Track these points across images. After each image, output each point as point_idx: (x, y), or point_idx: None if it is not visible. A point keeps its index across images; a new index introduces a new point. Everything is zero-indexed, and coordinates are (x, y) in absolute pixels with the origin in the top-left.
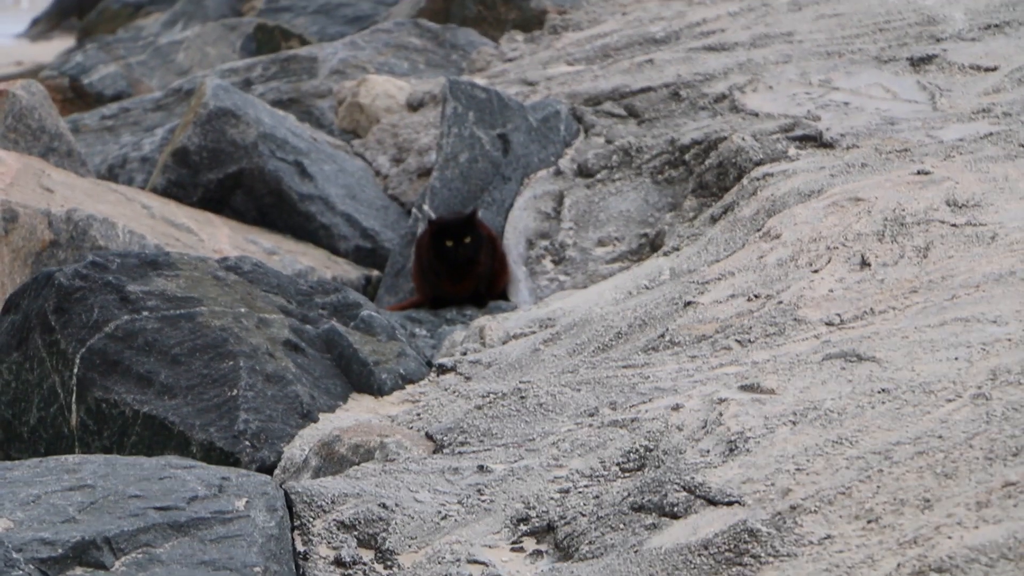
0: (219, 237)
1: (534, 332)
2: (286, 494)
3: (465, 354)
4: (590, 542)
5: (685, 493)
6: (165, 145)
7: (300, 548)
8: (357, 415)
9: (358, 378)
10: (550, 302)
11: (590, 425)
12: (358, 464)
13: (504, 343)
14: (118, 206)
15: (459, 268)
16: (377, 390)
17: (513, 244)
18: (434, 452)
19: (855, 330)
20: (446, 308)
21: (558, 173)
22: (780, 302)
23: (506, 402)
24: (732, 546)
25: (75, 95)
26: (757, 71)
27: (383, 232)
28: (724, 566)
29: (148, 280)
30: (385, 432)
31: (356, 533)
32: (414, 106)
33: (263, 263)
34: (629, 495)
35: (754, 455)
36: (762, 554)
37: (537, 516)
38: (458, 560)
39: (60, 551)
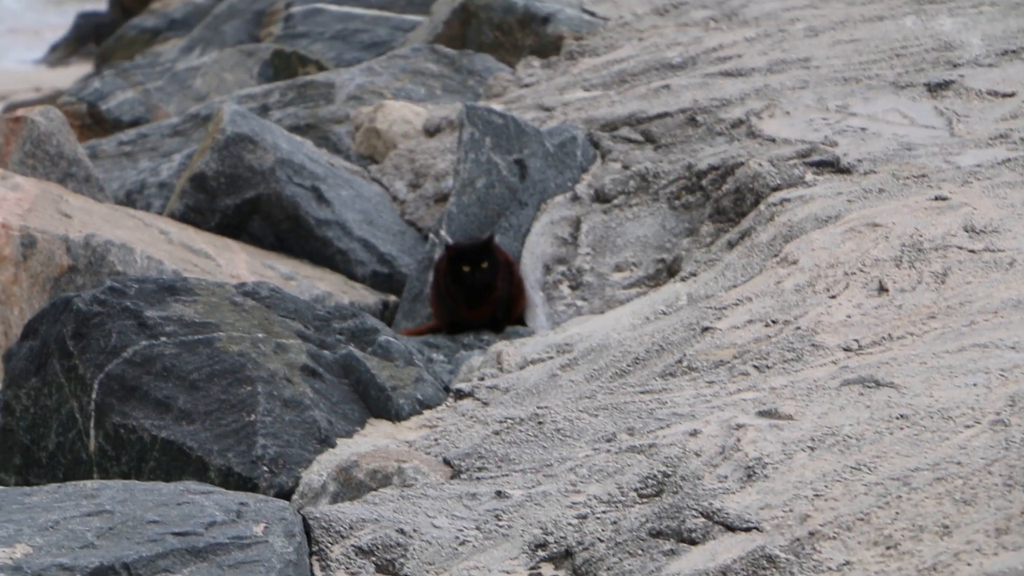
0: (237, 262)
1: (551, 357)
2: (304, 519)
3: (482, 379)
4: (608, 568)
5: (703, 519)
6: (183, 171)
7: (318, 574)
8: (375, 440)
9: (376, 403)
10: (567, 327)
11: (608, 451)
12: (376, 489)
13: (521, 368)
14: (136, 231)
15: (476, 293)
16: (395, 415)
17: (530, 269)
18: (452, 477)
19: (873, 356)
20: (463, 333)
21: (575, 198)
22: (798, 328)
23: (524, 427)
24: (750, 572)
25: (93, 121)
26: (774, 97)
27: (400, 257)
28: None
29: (166, 305)
30: (403, 457)
31: (374, 559)
32: (431, 132)
33: (280, 288)
34: (647, 521)
35: (772, 481)
36: None
37: (555, 542)
38: None
39: None
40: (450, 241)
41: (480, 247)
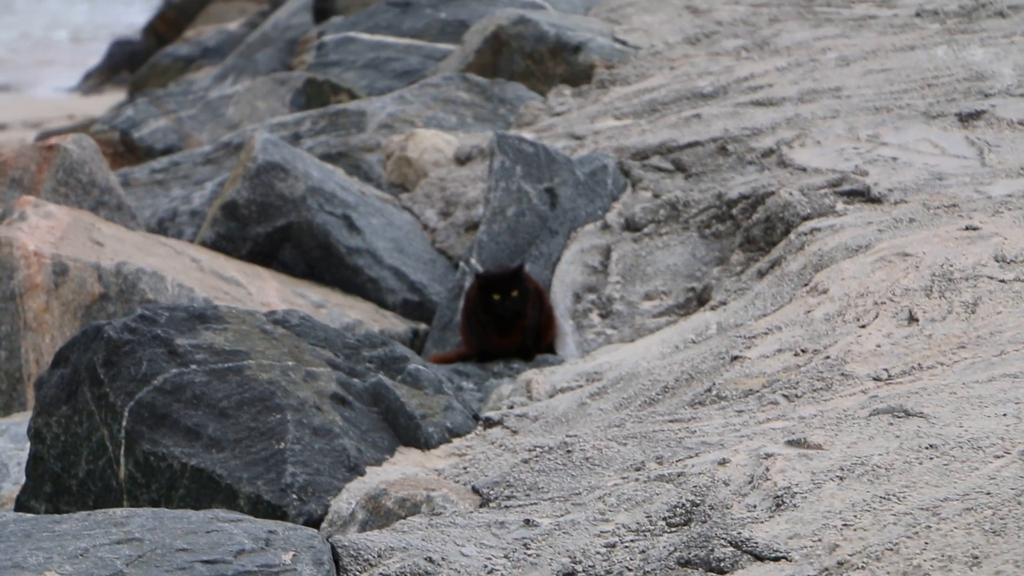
0: (267, 290)
1: (581, 386)
2: (333, 548)
3: (512, 408)
4: None
5: (732, 548)
6: (214, 199)
7: None
8: (404, 469)
9: (405, 431)
10: (597, 356)
11: (636, 479)
12: (405, 518)
13: (551, 397)
14: (167, 259)
15: (506, 322)
16: (424, 443)
17: (560, 298)
18: (480, 506)
19: (903, 385)
20: (493, 361)
21: (605, 227)
22: (827, 357)
23: (552, 456)
24: None
25: (126, 149)
26: (805, 126)
27: (430, 286)
28: None
29: (196, 333)
30: (432, 486)
31: None
32: (462, 160)
33: (310, 317)
34: (676, 550)
35: (801, 510)
36: None
37: (583, 571)
38: None
39: None
40: (480, 270)
41: (510, 276)
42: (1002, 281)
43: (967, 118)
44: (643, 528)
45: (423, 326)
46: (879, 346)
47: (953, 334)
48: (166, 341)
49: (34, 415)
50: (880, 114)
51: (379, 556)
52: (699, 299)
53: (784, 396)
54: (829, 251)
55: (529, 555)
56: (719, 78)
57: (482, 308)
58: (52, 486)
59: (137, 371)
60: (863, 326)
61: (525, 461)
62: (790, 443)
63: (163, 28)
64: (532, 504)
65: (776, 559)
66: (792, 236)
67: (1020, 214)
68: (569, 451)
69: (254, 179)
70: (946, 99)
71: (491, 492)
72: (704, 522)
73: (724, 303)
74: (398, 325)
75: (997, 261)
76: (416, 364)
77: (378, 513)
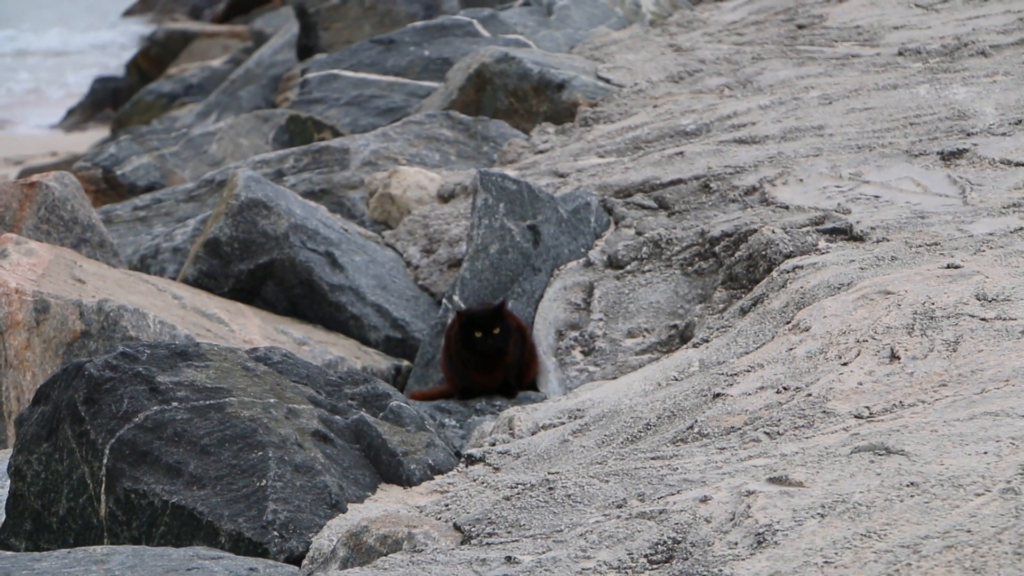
0: (250, 327)
1: (563, 423)
2: None
3: (494, 444)
4: None
5: None
6: (197, 236)
7: None
8: (385, 505)
9: (387, 468)
10: (579, 393)
11: (618, 517)
12: (386, 555)
13: (533, 434)
14: (149, 296)
15: (488, 359)
16: (406, 480)
17: (543, 335)
18: (462, 543)
19: (884, 423)
20: (475, 399)
21: (588, 264)
22: (809, 395)
23: (534, 493)
24: None
25: (108, 186)
26: (787, 164)
27: (413, 322)
28: None
29: (178, 371)
30: (413, 523)
31: None
32: (445, 197)
33: (292, 354)
34: None
35: (782, 548)
36: None
37: None
38: None
39: None
40: (463, 306)
41: (492, 313)
42: (983, 319)
43: (949, 156)
44: (625, 565)
45: (405, 363)
46: (861, 384)
47: (935, 372)
48: (147, 378)
49: (14, 452)
50: (863, 152)
51: None
52: (682, 336)
53: (766, 433)
54: (811, 289)
55: None
56: (702, 116)
57: (463, 345)
58: (32, 523)
59: (118, 408)
60: (845, 364)
61: (507, 498)
62: (772, 480)
63: (146, 65)
64: (514, 541)
65: None
66: (775, 274)
67: (1002, 252)
68: (551, 488)
69: (237, 216)
70: (928, 138)
71: (473, 529)
72: (686, 559)
73: (707, 340)
74: (380, 362)
75: (979, 299)
76: (398, 401)
77: (359, 550)
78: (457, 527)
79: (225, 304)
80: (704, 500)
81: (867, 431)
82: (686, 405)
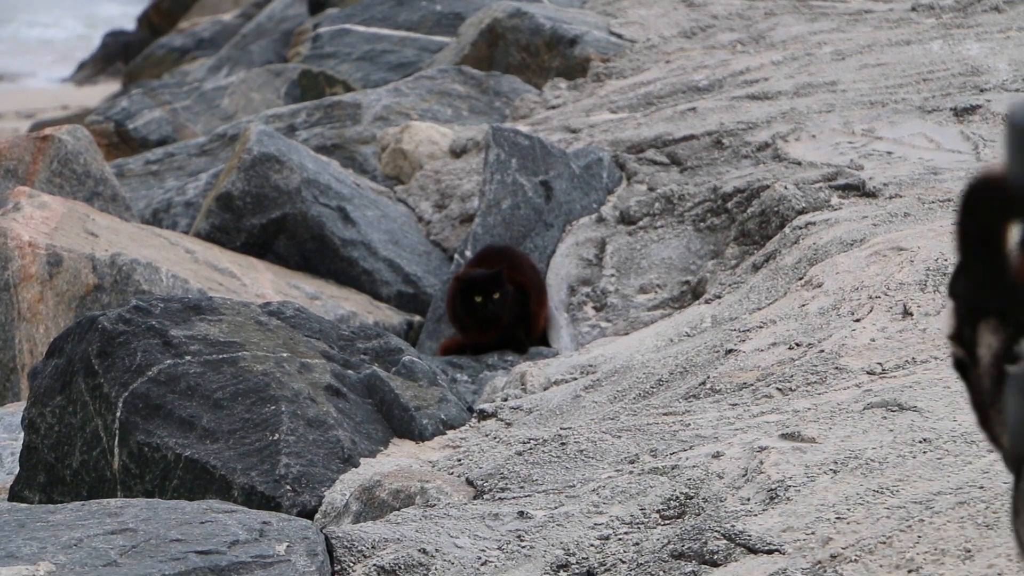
0: (262, 282)
1: (575, 378)
2: (327, 539)
3: (506, 400)
4: None
5: (725, 541)
6: (209, 190)
7: None
8: (398, 460)
9: (399, 423)
10: (591, 348)
11: (630, 472)
12: (399, 509)
13: (545, 389)
14: (162, 251)
15: (487, 323)
16: (418, 435)
17: (555, 291)
18: (474, 498)
19: (897, 379)
20: (487, 354)
21: (600, 220)
22: (821, 351)
23: (546, 448)
24: None
25: (120, 140)
26: (800, 120)
27: (425, 278)
28: None
29: (191, 325)
30: (426, 477)
31: None
32: (457, 152)
33: (305, 308)
34: (669, 542)
35: (794, 503)
36: None
37: (577, 563)
38: None
39: None
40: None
41: (491, 278)
42: None
43: (962, 113)
44: (637, 520)
45: (417, 318)
46: (873, 340)
47: None
48: (160, 332)
49: (28, 405)
50: (875, 108)
51: (373, 547)
52: (694, 292)
53: (778, 389)
54: (824, 245)
55: (523, 547)
56: (715, 72)
57: (463, 310)
58: (46, 476)
59: (131, 362)
60: (857, 320)
61: (519, 453)
62: (784, 436)
63: (157, 19)
64: (526, 496)
65: (769, 552)
66: (787, 230)
67: None
68: (563, 443)
69: (249, 171)
70: (941, 94)
71: (485, 484)
72: (698, 515)
73: (719, 296)
74: (392, 317)
75: None
76: (411, 356)
77: (372, 504)
78: (469, 482)
79: (237, 258)
80: (716, 456)
81: (880, 387)
82: (698, 361)
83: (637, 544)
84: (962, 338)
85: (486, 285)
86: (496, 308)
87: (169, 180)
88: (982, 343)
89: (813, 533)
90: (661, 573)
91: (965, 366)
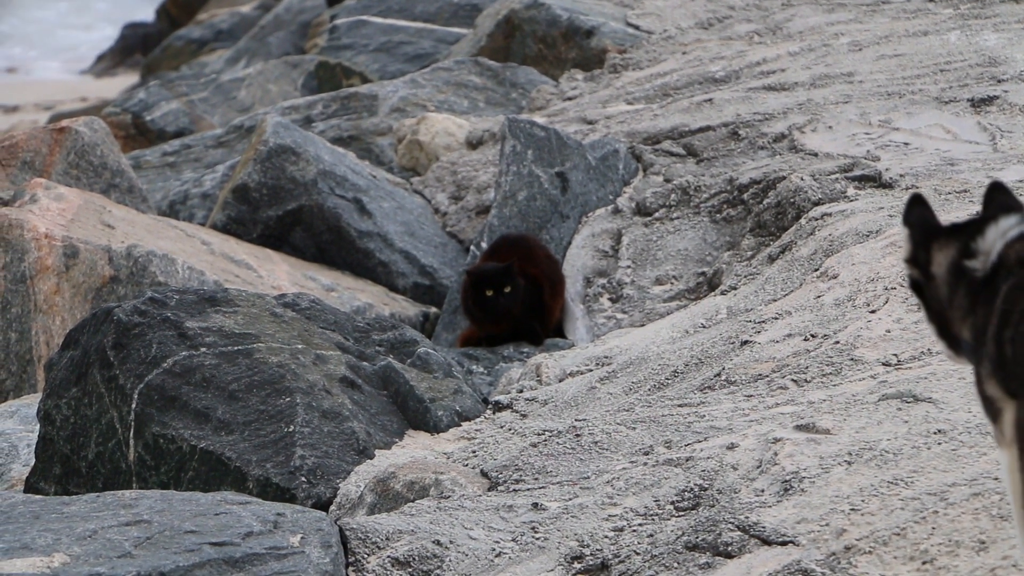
0: (278, 274)
1: (590, 370)
2: (341, 530)
3: (521, 391)
4: None
5: (739, 532)
6: (225, 182)
7: None
8: (413, 452)
9: (414, 415)
10: (607, 340)
11: (645, 464)
12: (413, 501)
13: (560, 381)
14: (178, 242)
15: (499, 315)
16: (433, 427)
17: (571, 282)
18: (489, 490)
19: (912, 371)
20: (503, 345)
21: (616, 211)
22: (837, 342)
23: (561, 440)
24: None
25: (137, 132)
26: (817, 111)
27: (441, 269)
28: None
29: (206, 316)
30: (440, 469)
31: (410, 570)
32: (473, 144)
33: (320, 300)
34: (683, 534)
35: (809, 495)
36: None
37: (591, 554)
38: None
39: None
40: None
41: (502, 272)
42: None
43: (979, 103)
44: (651, 512)
45: (433, 310)
46: (889, 331)
47: None
48: (176, 324)
49: (44, 397)
50: (892, 99)
51: (387, 539)
52: (709, 284)
53: (793, 381)
54: (840, 236)
55: (537, 539)
56: (731, 63)
57: (475, 303)
58: (61, 468)
59: (147, 354)
60: (873, 311)
61: (534, 445)
62: (799, 428)
63: (175, 11)
64: (540, 488)
65: (784, 543)
66: (803, 221)
67: None
68: (578, 435)
69: (265, 162)
70: (958, 84)
71: (500, 476)
72: (712, 506)
73: (734, 288)
74: (408, 309)
75: None
76: (426, 348)
77: (387, 496)
78: (484, 474)
79: (253, 250)
80: (731, 447)
81: (895, 379)
82: (713, 352)
83: (651, 536)
84: (917, 260)
85: (497, 279)
86: (507, 301)
87: (186, 172)
88: (935, 261)
89: (827, 525)
90: (675, 565)
91: (921, 286)
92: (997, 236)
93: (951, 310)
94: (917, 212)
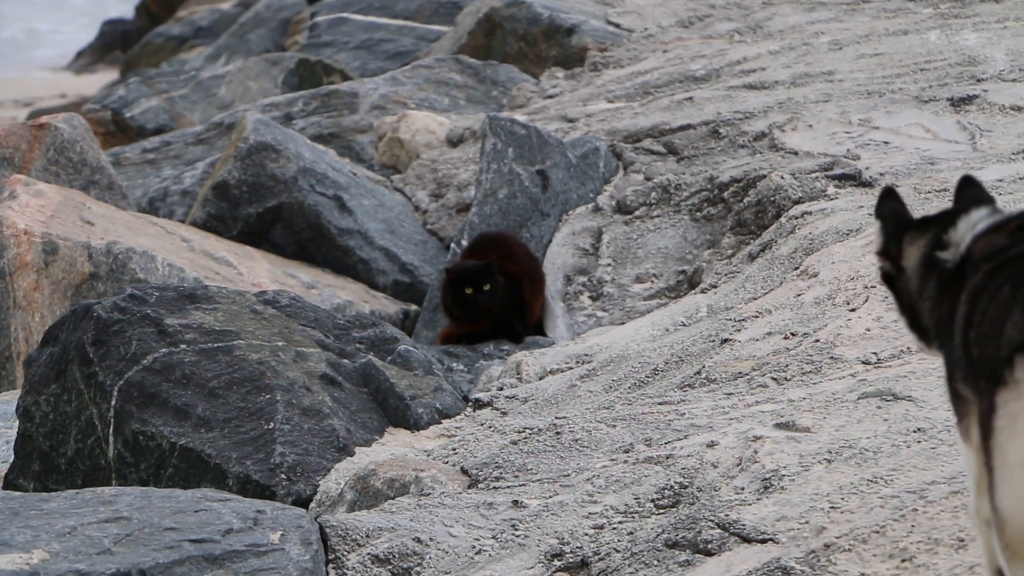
0: (258, 271)
1: (571, 368)
2: (321, 527)
3: (501, 389)
4: None
5: (719, 530)
6: (205, 179)
7: None
8: (393, 449)
9: (394, 412)
10: (587, 338)
11: (625, 461)
12: (393, 498)
13: (540, 378)
14: (158, 239)
15: (479, 313)
16: (413, 424)
17: (551, 280)
18: (469, 487)
19: (891, 369)
20: (483, 343)
21: (597, 210)
22: (817, 340)
23: (541, 437)
24: None
25: (117, 128)
26: (797, 110)
27: (421, 267)
28: None
29: (186, 313)
30: (420, 466)
31: (390, 567)
32: (454, 142)
33: (301, 297)
34: (663, 532)
35: (789, 493)
36: None
37: (571, 552)
38: None
39: None
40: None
41: (481, 270)
42: None
43: (959, 103)
44: (631, 510)
45: (414, 307)
46: (868, 330)
47: None
48: (156, 321)
49: (23, 393)
50: (872, 98)
51: (367, 536)
52: (690, 282)
53: (773, 379)
54: (820, 235)
55: (517, 536)
56: (712, 61)
57: (454, 301)
58: (40, 464)
59: (127, 350)
60: (853, 310)
61: (514, 442)
62: (779, 426)
63: (155, 7)
64: (521, 485)
65: (763, 541)
66: (783, 219)
67: (1011, 199)
68: (558, 433)
69: (245, 159)
70: (938, 84)
71: (480, 473)
72: (692, 504)
73: (715, 286)
74: (389, 306)
75: None
76: (406, 345)
77: (367, 493)
78: (464, 471)
79: (233, 247)
80: (711, 445)
81: (874, 377)
82: (694, 350)
83: (631, 533)
84: (889, 253)
85: (477, 276)
86: (487, 299)
87: (166, 169)
88: (907, 254)
89: (807, 522)
90: (655, 562)
91: (892, 278)
92: (967, 228)
93: (921, 302)
94: (889, 205)
